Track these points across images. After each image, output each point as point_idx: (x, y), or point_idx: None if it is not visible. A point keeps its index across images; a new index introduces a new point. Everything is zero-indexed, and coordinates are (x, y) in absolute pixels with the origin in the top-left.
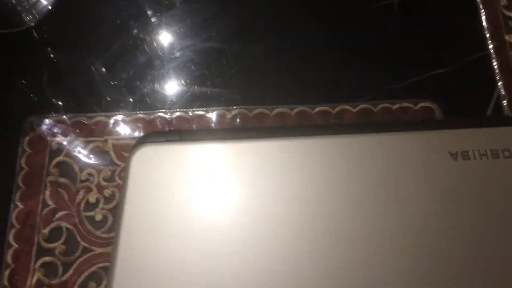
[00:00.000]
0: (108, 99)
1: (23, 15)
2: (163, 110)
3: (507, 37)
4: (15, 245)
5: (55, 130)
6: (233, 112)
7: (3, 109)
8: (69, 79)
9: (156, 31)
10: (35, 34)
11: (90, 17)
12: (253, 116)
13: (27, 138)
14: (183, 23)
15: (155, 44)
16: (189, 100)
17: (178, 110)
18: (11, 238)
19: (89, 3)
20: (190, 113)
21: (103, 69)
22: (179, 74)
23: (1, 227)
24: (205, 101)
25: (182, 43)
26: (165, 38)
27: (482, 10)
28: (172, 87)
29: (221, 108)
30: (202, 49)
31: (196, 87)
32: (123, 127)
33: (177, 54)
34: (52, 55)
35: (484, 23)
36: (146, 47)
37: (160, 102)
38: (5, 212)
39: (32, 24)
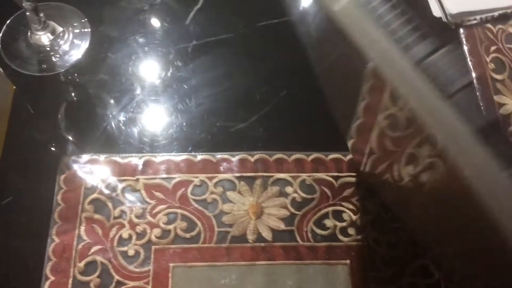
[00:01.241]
0: (134, 141)
1: (56, 62)
2: (191, 153)
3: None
4: (52, 278)
5: (90, 169)
6: (255, 157)
7: (40, 149)
8: (98, 122)
9: (178, 82)
10: (62, 78)
11: (114, 69)
12: (273, 161)
13: (63, 176)
14: (206, 74)
15: (177, 93)
16: (213, 144)
17: (203, 153)
18: (48, 271)
19: (113, 57)
20: (218, 156)
21: (128, 115)
22: (202, 120)
23: (39, 261)
24: (229, 146)
25: (204, 92)
26: (188, 88)
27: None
28: (195, 131)
29: (243, 152)
30: (223, 97)
31: (218, 132)
32: (153, 167)
33: (201, 101)
34: (76, 97)
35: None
36: (168, 95)
37: (185, 145)
38: (42, 246)
39: (62, 70)
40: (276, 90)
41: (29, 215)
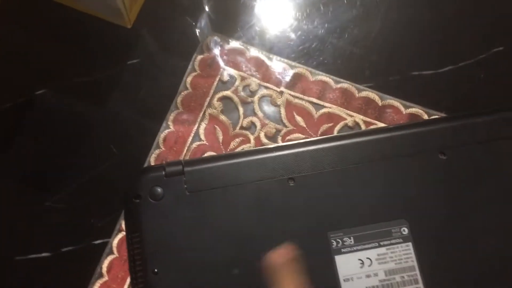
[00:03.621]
0: (294, 46)
1: None
2: (354, 84)
3: None
4: None
5: (233, 59)
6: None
7: (181, 18)
8: (254, 9)
9: None
10: None
11: None
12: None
13: (201, 57)
14: None
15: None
16: (385, 83)
17: (370, 90)
18: (152, 159)
19: None
20: (387, 100)
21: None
22: (383, 48)
23: (148, 143)
24: (403, 92)
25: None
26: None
27: None
28: (367, 59)
29: (418, 107)
30: (422, 31)
31: (395, 72)
32: (304, 85)
33: (396, 26)
34: None
35: None
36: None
37: (350, 73)
38: (155, 128)
39: None
40: (488, 42)
41: (150, 87)
